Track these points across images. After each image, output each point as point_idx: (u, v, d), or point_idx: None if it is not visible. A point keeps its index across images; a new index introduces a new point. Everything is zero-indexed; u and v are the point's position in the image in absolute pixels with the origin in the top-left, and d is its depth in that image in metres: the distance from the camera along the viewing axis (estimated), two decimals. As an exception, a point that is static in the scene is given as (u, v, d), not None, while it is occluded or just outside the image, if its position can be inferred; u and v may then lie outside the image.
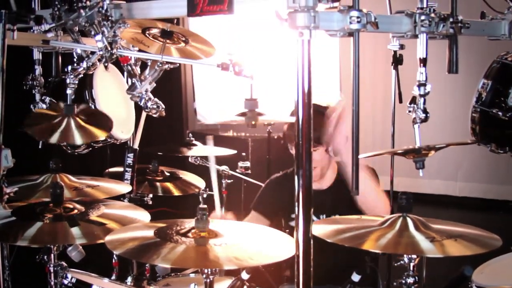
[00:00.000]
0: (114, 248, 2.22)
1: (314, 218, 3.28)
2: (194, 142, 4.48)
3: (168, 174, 4.07)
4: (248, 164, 4.59)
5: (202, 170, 4.31)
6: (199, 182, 4.08)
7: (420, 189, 6.73)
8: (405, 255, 2.33)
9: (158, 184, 3.95)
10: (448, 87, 6.62)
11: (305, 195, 1.95)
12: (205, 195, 4.10)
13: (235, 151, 4.66)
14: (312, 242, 1.96)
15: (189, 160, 4.36)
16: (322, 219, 3.23)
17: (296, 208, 1.96)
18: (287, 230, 3.44)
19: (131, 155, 3.61)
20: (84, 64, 2.56)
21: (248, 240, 2.32)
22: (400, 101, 4.21)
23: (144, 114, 3.56)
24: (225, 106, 7.04)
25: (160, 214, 3.27)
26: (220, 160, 4.41)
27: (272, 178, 3.59)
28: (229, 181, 4.42)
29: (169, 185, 3.96)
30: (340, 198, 3.02)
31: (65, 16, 2.31)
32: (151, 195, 3.84)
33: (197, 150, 4.42)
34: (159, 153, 4.39)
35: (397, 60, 4.09)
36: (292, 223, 3.32)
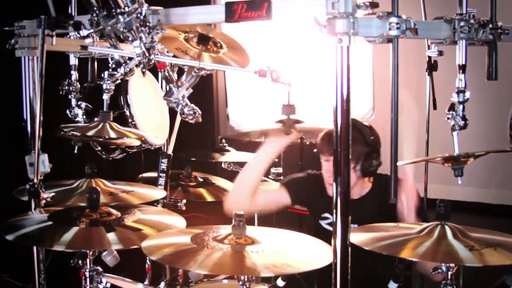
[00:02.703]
0: (151, 253, 2.22)
1: None
2: (227, 148, 4.49)
3: (201, 179, 4.07)
4: (280, 170, 4.58)
5: (234, 176, 4.31)
6: (232, 188, 4.08)
7: (453, 196, 6.59)
8: (443, 264, 2.30)
9: (191, 189, 3.95)
10: (481, 94, 6.54)
11: (343, 202, 1.94)
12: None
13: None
14: (350, 250, 1.95)
15: (222, 165, 4.36)
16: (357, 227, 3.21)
17: (334, 215, 1.95)
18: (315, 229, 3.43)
19: (165, 160, 3.62)
20: (122, 70, 2.57)
21: (285, 247, 2.30)
22: (435, 108, 4.18)
23: (178, 120, 3.57)
24: (259, 112, 7.03)
25: (191, 219, 3.27)
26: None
27: (307, 173, 3.49)
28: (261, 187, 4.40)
29: (202, 190, 3.96)
30: (374, 210, 2.96)
31: (104, 22, 2.32)
32: (184, 201, 3.85)
33: (230, 156, 4.43)
34: (192, 159, 4.39)
35: (432, 67, 4.06)
36: (323, 223, 3.29)
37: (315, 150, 3.30)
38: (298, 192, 3.39)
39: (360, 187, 3.25)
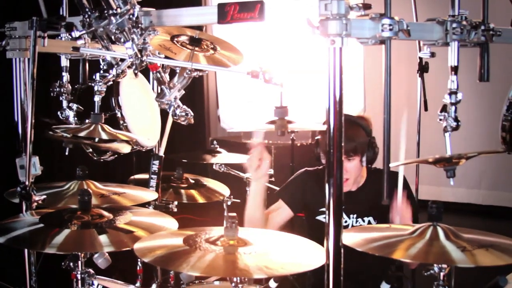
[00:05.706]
0: (143, 255, 2.21)
1: (344, 217, 3.28)
2: (219, 149, 4.48)
3: (192, 181, 4.06)
4: (271, 171, 4.57)
5: (225, 178, 4.31)
6: (224, 190, 4.07)
7: (443, 197, 6.61)
8: (435, 265, 2.30)
9: (182, 191, 3.94)
10: (473, 95, 6.56)
11: (336, 204, 1.93)
12: (229, 203, 4.09)
13: (258, 159, 4.63)
14: (342, 251, 1.94)
15: (214, 167, 4.35)
16: (353, 227, 3.22)
17: (327, 217, 1.94)
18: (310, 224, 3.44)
19: (156, 162, 3.61)
20: (114, 72, 2.55)
21: (278, 249, 2.30)
22: (426, 109, 4.20)
23: (170, 121, 3.56)
24: (249, 113, 7.03)
25: (182, 220, 3.27)
26: (243, 168, 4.40)
27: (303, 171, 3.53)
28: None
29: (193, 192, 3.95)
30: (373, 199, 2.95)
31: (96, 23, 2.31)
32: (176, 202, 3.84)
33: (221, 158, 4.42)
34: (183, 160, 4.38)
35: (423, 68, 4.08)
36: (320, 217, 3.30)
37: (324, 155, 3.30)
38: (293, 198, 3.44)
39: (361, 177, 3.38)
